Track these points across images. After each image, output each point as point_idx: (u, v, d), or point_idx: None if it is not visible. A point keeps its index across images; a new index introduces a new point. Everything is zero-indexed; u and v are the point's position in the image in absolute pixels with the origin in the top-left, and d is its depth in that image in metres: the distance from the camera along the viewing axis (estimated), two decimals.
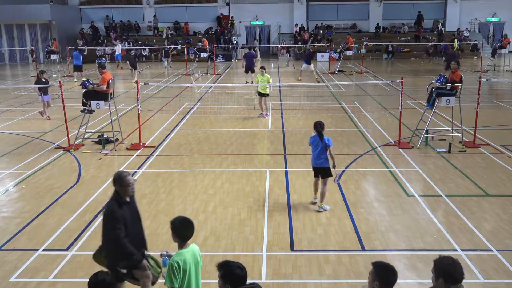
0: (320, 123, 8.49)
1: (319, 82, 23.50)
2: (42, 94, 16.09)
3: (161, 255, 4.88)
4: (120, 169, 5.42)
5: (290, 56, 35.22)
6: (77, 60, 25.75)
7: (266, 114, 16.17)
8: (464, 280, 3.93)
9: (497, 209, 8.50)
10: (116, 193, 5.19)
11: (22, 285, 6.34)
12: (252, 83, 23.43)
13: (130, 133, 14.00)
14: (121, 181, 5.17)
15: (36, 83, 16.43)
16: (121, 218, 5.04)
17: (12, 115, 17.23)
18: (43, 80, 16.09)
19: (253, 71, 23.19)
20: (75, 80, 23.41)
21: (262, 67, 16.33)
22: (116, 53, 33.19)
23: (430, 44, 34.27)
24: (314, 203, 8.75)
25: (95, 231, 7.82)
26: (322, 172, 8.57)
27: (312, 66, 24.24)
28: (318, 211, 8.44)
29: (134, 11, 40.41)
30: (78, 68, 25.73)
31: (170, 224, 4.52)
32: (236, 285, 3.82)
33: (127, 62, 26.81)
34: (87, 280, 3.98)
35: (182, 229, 4.50)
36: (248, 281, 3.94)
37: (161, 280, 5.11)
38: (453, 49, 28.26)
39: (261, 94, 16.00)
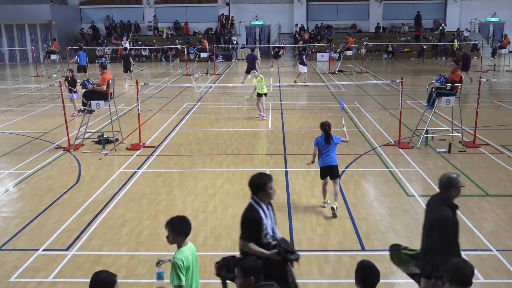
0: (327, 123, 8.25)
1: (295, 82, 23.29)
2: (73, 92, 16.53)
3: (158, 264, 4.74)
4: (450, 173, 5.12)
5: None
6: (83, 60, 25.19)
7: (262, 116, 15.82)
8: None
9: (497, 209, 8.50)
10: (448, 197, 4.92)
11: (22, 285, 6.34)
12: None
13: (130, 133, 14.00)
14: (457, 183, 4.90)
15: (70, 83, 16.56)
16: (452, 225, 4.86)
17: (12, 115, 17.23)
18: (71, 79, 16.57)
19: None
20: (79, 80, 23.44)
21: (253, 70, 16.12)
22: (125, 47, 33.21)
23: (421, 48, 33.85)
24: (324, 207, 8.53)
25: (95, 231, 7.84)
26: (330, 171, 8.29)
27: (305, 68, 23.68)
28: (334, 213, 8.17)
29: (134, 11, 40.41)
30: (83, 69, 25.23)
31: (167, 225, 4.48)
32: (258, 276, 3.90)
33: (122, 62, 25.85)
34: (87, 280, 3.98)
35: (183, 226, 4.52)
36: None
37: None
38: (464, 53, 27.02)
39: (259, 95, 15.85)
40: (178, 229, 4.48)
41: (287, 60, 35.55)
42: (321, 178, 8.56)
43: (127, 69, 24.70)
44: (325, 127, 8.22)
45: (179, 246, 4.51)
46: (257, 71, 16.40)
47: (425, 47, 34.50)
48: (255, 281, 3.86)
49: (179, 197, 9.26)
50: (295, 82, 23.34)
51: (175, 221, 4.51)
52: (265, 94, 15.94)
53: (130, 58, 25.62)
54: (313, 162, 8.53)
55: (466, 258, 4.28)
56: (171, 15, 39.79)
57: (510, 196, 9.16)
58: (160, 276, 4.65)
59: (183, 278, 4.38)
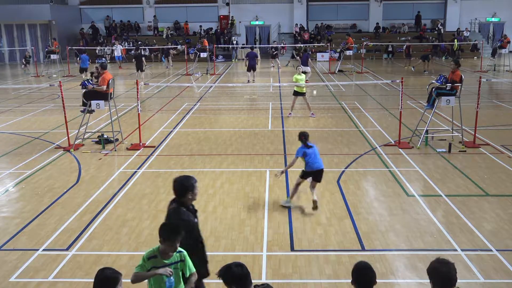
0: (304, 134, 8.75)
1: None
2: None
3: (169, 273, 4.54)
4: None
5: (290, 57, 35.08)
6: (84, 63, 25.81)
7: (312, 114, 16.04)
8: (464, 280, 3.93)
9: (497, 209, 8.50)
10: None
11: (22, 285, 6.33)
12: (253, 81, 23.72)
13: (130, 133, 14.00)
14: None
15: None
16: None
17: (12, 115, 17.23)
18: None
19: (254, 70, 23.79)
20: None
21: (298, 66, 16.37)
22: (116, 55, 33.18)
23: (405, 45, 31.68)
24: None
25: (95, 231, 7.84)
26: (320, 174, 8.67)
27: (308, 68, 24.36)
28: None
29: (134, 11, 40.43)
30: (85, 70, 25.56)
31: (174, 236, 4.43)
32: (241, 284, 3.75)
33: (134, 61, 26.20)
34: (87, 280, 3.99)
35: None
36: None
37: None
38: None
39: (298, 93, 16.01)
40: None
41: (286, 60, 35.57)
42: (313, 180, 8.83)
43: (139, 68, 25.06)
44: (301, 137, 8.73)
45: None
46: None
47: (411, 50, 30.79)
48: None
49: None
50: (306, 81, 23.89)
51: (179, 229, 4.53)
52: (304, 93, 16.12)
53: (143, 58, 25.82)
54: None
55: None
56: (171, 15, 39.80)
57: (510, 196, 9.15)
58: (171, 283, 4.48)
59: None
